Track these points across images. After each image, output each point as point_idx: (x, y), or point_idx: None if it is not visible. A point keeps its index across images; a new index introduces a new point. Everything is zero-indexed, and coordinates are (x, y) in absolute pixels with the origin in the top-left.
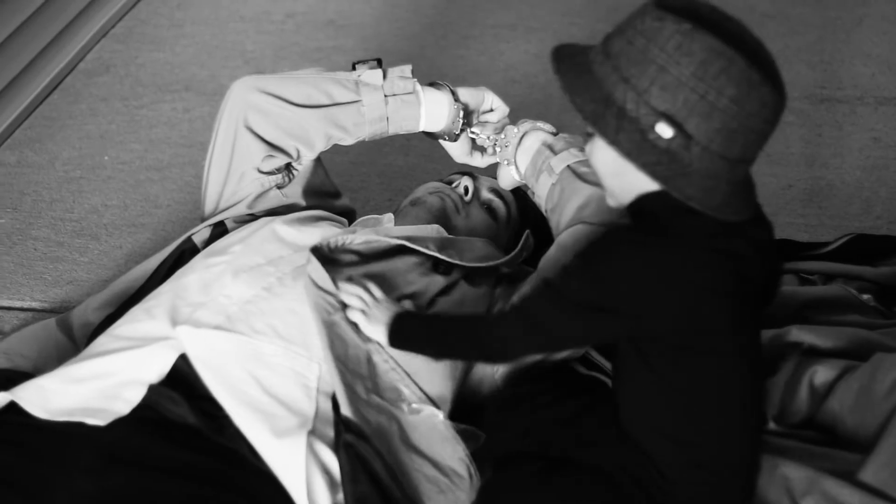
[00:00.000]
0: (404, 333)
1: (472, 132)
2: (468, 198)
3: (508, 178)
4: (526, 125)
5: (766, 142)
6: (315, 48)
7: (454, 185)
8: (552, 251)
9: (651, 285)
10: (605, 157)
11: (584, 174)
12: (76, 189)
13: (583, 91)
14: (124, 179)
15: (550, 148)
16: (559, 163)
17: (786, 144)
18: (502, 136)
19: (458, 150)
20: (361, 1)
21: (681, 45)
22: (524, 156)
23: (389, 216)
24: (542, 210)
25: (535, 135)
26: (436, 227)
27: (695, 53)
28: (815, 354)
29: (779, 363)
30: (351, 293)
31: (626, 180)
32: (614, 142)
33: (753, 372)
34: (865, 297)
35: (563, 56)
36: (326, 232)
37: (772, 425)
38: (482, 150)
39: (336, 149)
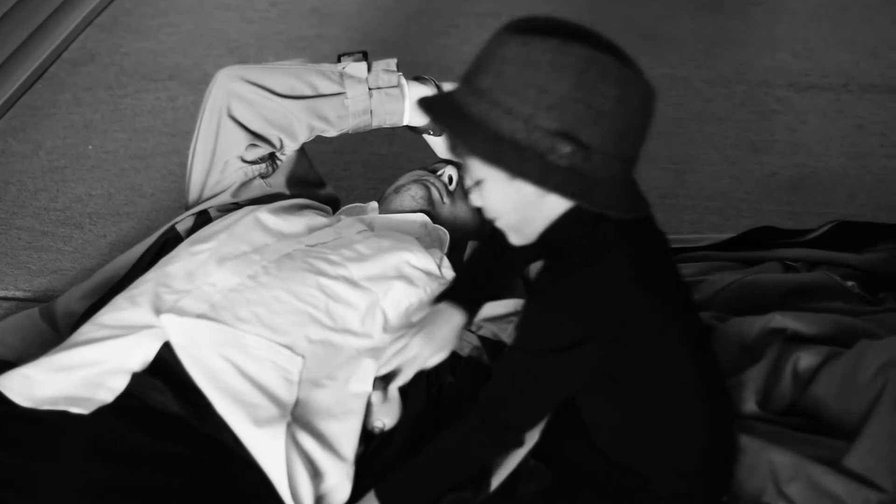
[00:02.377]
0: (404, 498)
1: None
2: (452, 187)
3: None
4: None
5: (646, 136)
6: (299, 37)
7: (438, 173)
8: None
9: (611, 298)
10: (505, 195)
11: None
12: (60, 178)
13: (471, 134)
14: (108, 168)
15: None
16: None
17: (770, 132)
18: None
19: (441, 146)
20: None
21: (553, 62)
22: None
23: (374, 204)
24: None
25: None
26: (421, 216)
27: (570, 66)
28: (798, 341)
29: (762, 349)
30: None
31: (530, 212)
32: (522, 173)
33: (704, 356)
34: (849, 283)
35: (432, 107)
36: (310, 220)
37: (756, 411)
38: None
39: (320, 138)
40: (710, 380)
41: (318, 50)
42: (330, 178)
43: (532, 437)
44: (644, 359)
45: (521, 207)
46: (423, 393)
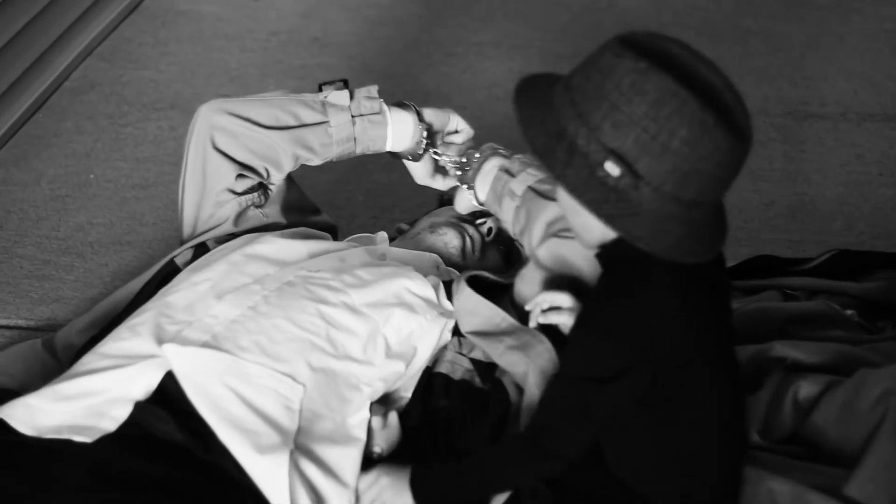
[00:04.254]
0: (435, 493)
1: (436, 153)
2: (489, 239)
3: (466, 203)
4: (487, 150)
5: (724, 186)
6: (299, 66)
7: (479, 222)
8: (527, 271)
9: (656, 329)
10: (564, 195)
11: (546, 192)
12: (62, 207)
13: (537, 123)
14: (110, 197)
15: (508, 171)
16: (519, 185)
17: (769, 161)
18: (464, 159)
19: (420, 171)
20: (345, 19)
21: (634, 84)
22: (483, 181)
23: (383, 235)
24: (511, 234)
25: (493, 160)
26: (433, 256)
27: (648, 93)
28: (798, 370)
29: (763, 378)
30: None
31: (583, 219)
32: (560, 177)
33: (737, 394)
34: (849, 312)
35: (527, 86)
36: (311, 247)
37: (756, 439)
38: (445, 172)
39: (320, 167)
40: (730, 416)
41: (319, 79)
42: (331, 207)
43: None
44: (677, 391)
45: (575, 211)
46: (418, 417)
